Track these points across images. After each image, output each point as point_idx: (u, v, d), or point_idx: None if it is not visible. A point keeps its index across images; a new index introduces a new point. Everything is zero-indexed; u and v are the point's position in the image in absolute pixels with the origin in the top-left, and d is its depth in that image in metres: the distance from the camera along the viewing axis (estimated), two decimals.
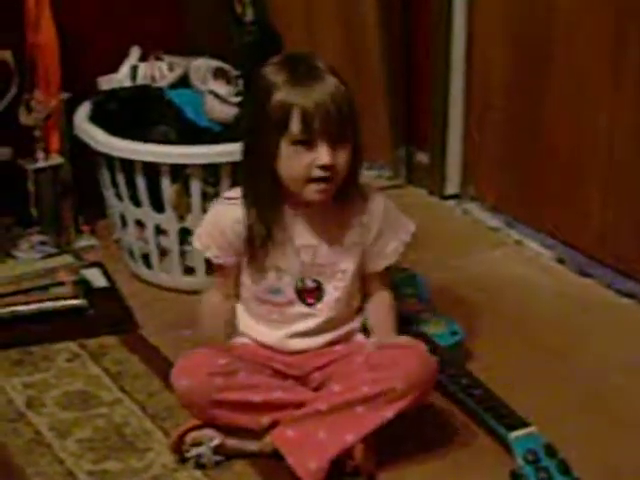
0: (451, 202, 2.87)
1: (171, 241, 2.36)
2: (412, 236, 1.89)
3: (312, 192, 1.75)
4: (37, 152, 2.52)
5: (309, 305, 1.84)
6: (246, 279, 1.87)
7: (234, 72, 2.37)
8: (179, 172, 2.27)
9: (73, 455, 1.80)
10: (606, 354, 2.13)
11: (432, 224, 2.67)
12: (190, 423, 1.79)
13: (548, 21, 2.47)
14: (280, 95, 1.71)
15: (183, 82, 2.47)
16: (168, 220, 2.33)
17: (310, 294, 1.84)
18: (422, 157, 2.94)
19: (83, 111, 2.47)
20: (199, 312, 1.95)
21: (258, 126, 1.77)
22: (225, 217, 1.85)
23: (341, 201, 1.82)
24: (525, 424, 1.76)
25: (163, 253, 2.41)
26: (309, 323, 1.85)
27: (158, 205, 2.33)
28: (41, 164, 2.52)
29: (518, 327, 2.23)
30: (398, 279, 2.13)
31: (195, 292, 2.20)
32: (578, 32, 2.40)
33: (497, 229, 2.71)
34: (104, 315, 2.25)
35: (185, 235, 2.31)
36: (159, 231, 2.37)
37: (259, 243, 1.81)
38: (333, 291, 1.85)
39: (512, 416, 1.79)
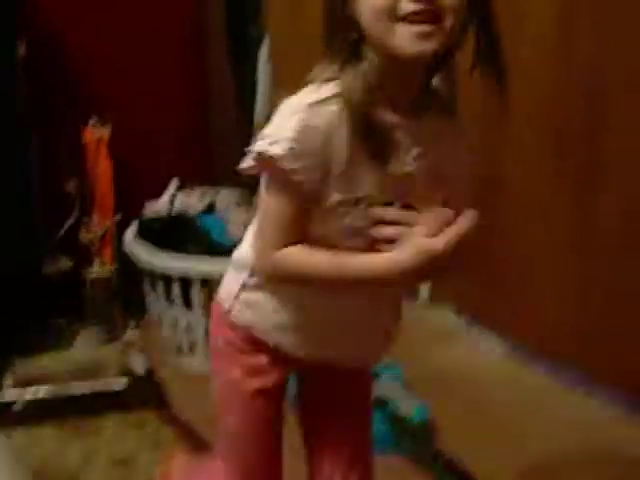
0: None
1: (199, 335, 2.70)
2: None
3: (405, 38, 1.18)
4: (94, 264, 2.82)
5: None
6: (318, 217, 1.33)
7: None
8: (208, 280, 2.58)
9: None
10: (552, 434, 2.36)
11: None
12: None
13: (500, 150, 2.70)
14: None
15: (210, 207, 2.85)
16: (196, 318, 2.68)
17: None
18: None
19: (131, 230, 2.83)
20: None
21: None
22: (322, 122, 1.25)
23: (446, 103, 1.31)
24: None
25: (192, 346, 2.73)
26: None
27: (189, 305, 2.65)
28: (97, 274, 2.82)
29: (476, 410, 2.50)
30: (381, 367, 2.31)
31: None
32: (525, 157, 2.64)
33: (456, 327, 2.97)
34: (142, 396, 2.52)
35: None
36: (189, 327, 2.70)
37: (375, 147, 1.27)
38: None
39: None
